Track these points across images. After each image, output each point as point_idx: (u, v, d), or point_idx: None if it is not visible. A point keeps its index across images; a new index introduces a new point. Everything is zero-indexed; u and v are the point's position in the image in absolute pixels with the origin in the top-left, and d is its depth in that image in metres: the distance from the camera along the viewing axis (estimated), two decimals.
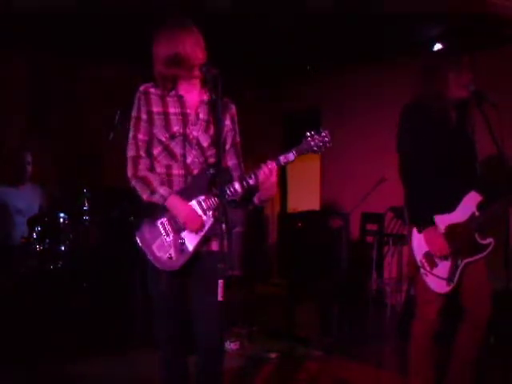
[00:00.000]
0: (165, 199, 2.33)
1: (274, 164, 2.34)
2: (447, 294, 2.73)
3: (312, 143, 2.38)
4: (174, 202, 2.34)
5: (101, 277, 4.83)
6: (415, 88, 2.84)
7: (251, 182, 2.35)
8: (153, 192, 2.35)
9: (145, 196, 2.37)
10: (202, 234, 2.36)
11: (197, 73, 2.34)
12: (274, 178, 2.35)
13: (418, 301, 2.86)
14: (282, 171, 8.12)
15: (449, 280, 2.70)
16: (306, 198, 7.74)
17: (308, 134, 2.39)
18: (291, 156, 2.36)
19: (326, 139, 2.39)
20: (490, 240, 2.72)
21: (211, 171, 2.37)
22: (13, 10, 4.57)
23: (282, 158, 2.36)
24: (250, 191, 2.40)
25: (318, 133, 2.39)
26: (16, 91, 6.03)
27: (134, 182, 2.41)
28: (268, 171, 2.32)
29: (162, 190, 2.34)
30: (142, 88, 2.42)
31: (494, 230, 2.80)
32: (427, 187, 2.73)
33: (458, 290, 2.77)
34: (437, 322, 2.76)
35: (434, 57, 2.93)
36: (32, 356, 3.88)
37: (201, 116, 2.42)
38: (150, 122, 2.39)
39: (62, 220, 4.77)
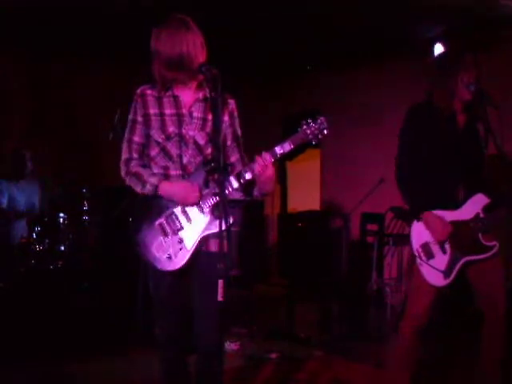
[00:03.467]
0: (156, 187, 2.34)
1: (268, 157, 2.30)
2: (440, 290, 2.73)
3: (308, 131, 2.34)
4: (166, 186, 2.34)
5: (101, 277, 4.83)
6: (428, 86, 2.83)
7: (248, 176, 2.33)
8: (144, 183, 2.35)
9: (138, 189, 2.38)
10: (201, 232, 2.35)
11: (197, 75, 2.32)
12: (269, 172, 2.32)
13: (409, 297, 2.86)
14: (282, 171, 8.11)
15: (445, 273, 2.69)
16: (306, 197, 7.73)
17: (304, 122, 2.36)
18: (287, 146, 2.33)
19: (323, 126, 2.35)
20: (494, 242, 2.71)
21: (205, 169, 2.36)
22: None
23: (277, 149, 2.33)
24: (249, 184, 2.38)
25: (314, 120, 2.36)
26: (16, 91, 6.03)
27: (127, 180, 2.42)
28: (263, 164, 2.29)
29: (153, 180, 2.35)
30: (138, 90, 2.42)
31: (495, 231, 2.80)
32: (425, 182, 2.73)
33: (474, 293, 2.77)
34: (424, 318, 2.75)
35: (448, 56, 2.90)
36: (32, 356, 3.88)
37: (195, 114, 2.41)
38: (147, 124, 2.39)
39: (61, 220, 4.78)
